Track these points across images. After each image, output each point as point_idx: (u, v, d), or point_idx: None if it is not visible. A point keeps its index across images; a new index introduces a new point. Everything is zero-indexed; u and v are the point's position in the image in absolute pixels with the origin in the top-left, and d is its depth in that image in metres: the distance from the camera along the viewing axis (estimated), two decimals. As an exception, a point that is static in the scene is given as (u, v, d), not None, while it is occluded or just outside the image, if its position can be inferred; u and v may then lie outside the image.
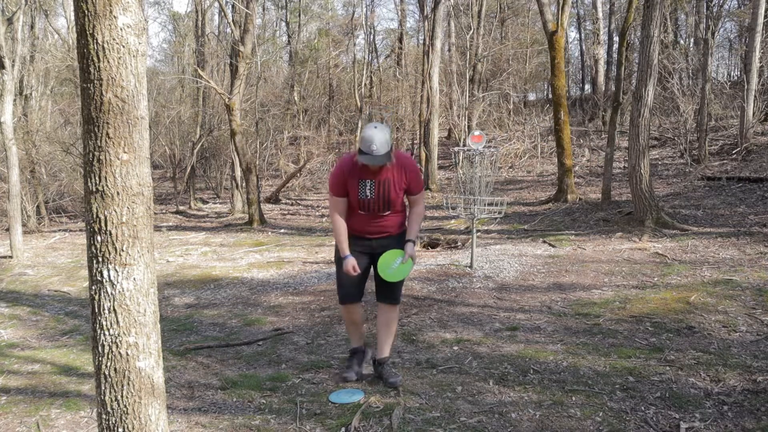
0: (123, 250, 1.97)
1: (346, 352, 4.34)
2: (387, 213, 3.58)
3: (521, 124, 20.17)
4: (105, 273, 1.97)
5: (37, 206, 14.71)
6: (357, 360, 3.87)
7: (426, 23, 17.53)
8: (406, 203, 3.76)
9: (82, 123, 1.97)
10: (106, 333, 1.98)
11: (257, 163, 14.95)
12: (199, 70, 14.78)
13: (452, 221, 11.07)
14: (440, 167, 17.35)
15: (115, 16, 1.90)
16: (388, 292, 3.72)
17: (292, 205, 16.11)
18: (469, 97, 17.99)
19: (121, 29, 1.91)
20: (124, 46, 1.92)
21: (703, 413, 3.14)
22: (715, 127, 15.50)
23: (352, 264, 3.51)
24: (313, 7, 28.13)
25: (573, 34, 28.38)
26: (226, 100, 12.41)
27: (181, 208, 16.45)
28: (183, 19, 24.93)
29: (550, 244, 8.31)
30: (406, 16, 25.18)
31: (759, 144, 13.45)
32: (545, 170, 16.40)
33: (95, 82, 1.90)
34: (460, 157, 8.18)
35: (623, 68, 11.92)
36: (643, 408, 3.23)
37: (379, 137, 3.34)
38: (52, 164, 16.31)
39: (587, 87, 26.16)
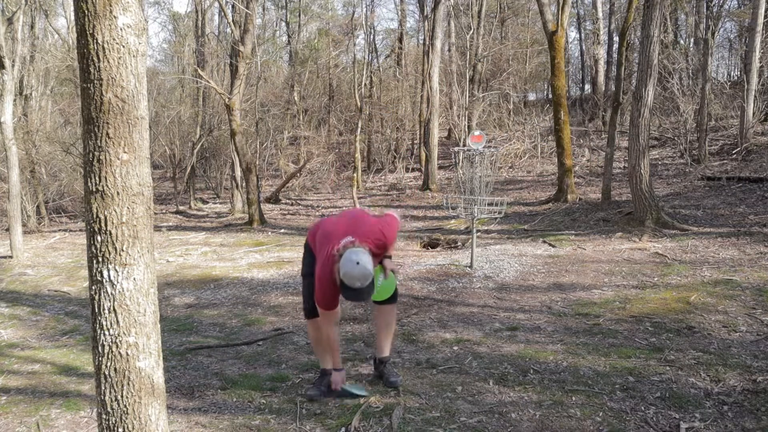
0: (123, 250, 1.97)
1: (346, 352, 4.35)
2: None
3: (521, 124, 20.17)
4: (105, 273, 1.97)
5: (37, 206, 14.71)
6: (325, 381, 3.59)
7: (426, 23, 17.53)
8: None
9: (82, 123, 1.97)
10: (106, 333, 1.98)
11: (257, 163, 14.95)
12: (199, 70, 14.78)
13: (452, 221, 11.07)
14: (440, 167, 17.35)
15: (115, 16, 1.90)
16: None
17: (292, 205, 16.11)
18: (469, 97, 17.99)
19: (121, 29, 1.91)
20: (124, 46, 1.92)
21: (703, 413, 3.14)
22: (715, 127, 15.50)
23: (342, 377, 3.54)
24: (313, 7, 28.13)
25: (573, 34, 28.40)
26: (226, 100, 12.42)
27: (181, 208, 16.45)
28: (183, 19, 24.94)
29: (550, 244, 8.31)
30: (406, 16, 25.19)
31: (759, 144, 13.45)
32: (545, 170, 16.40)
33: (95, 82, 1.90)
34: (460, 157, 8.18)
35: (623, 68, 11.92)
36: (643, 408, 3.23)
37: (360, 272, 3.01)
38: (52, 164, 16.31)
39: (587, 87, 26.16)
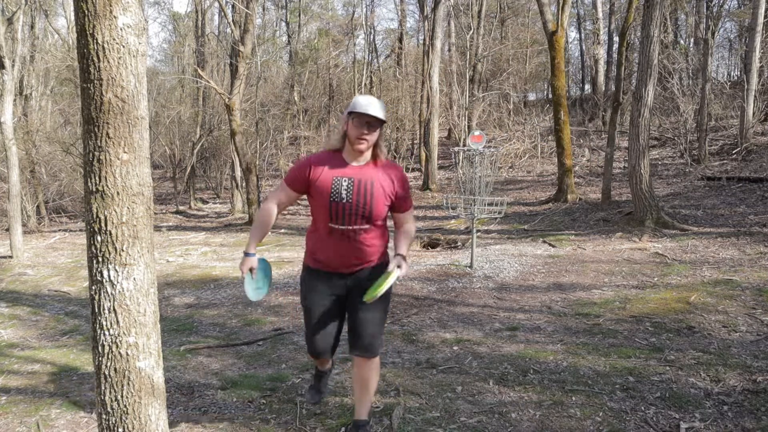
0: (123, 250, 1.97)
1: (346, 352, 4.35)
2: (366, 227, 2.66)
3: (521, 124, 20.17)
4: (105, 273, 1.97)
5: (37, 206, 14.72)
6: (323, 381, 3.29)
7: (426, 23, 17.53)
8: (389, 230, 2.84)
9: (82, 123, 1.97)
10: (106, 333, 1.98)
11: (257, 163, 14.94)
12: (199, 70, 14.78)
13: (452, 221, 11.07)
14: (440, 167, 17.36)
15: (115, 16, 1.90)
16: (365, 341, 2.75)
17: (292, 205, 16.11)
18: (469, 97, 17.99)
19: (121, 29, 1.91)
20: (124, 46, 1.92)
21: (703, 413, 3.14)
22: (715, 127, 15.50)
23: (249, 265, 2.72)
24: (313, 7, 28.14)
25: (573, 34, 28.40)
26: (226, 100, 12.41)
27: (181, 208, 16.45)
28: (183, 19, 24.95)
29: (550, 244, 8.31)
30: (406, 16, 25.19)
31: (759, 144, 13.45)
32: (545, 170, 16.40)
33: (95, 82, 1.90)
34: (460, 157, 8.18)
35: (623, 68, 11.92)
36: (643, 408, 3.23)
37: (377, 102, 2.62)
38: (52, 164, 16.32)
39: (587, 87, 26.17)
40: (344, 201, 2.58)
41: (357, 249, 2.68)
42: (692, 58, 16.90)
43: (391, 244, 2.81)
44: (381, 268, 2.74)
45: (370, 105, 2.55)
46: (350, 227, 2.62)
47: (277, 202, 2.74)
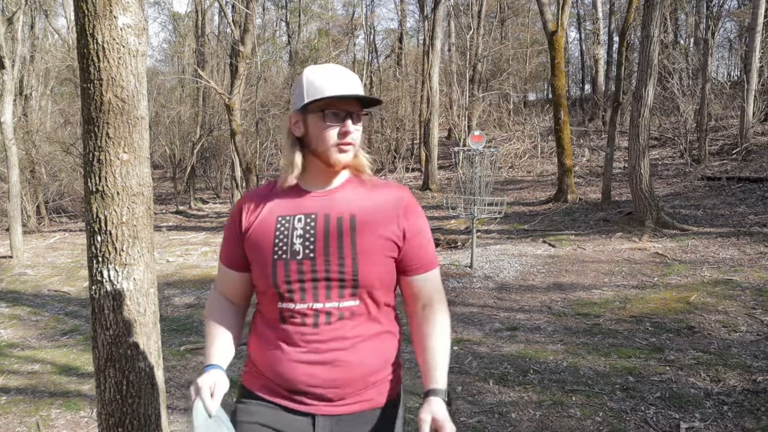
0: (123, 250, 1.97)
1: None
2: (351, 306, 1.40)
3: (521, 124, 20.17)
4: (105, 273, 1.96)
5: (37, 206, 14.71)
6: None
7: (426, 23, 17.53)
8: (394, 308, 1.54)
9: (82, 123, 1.97)
10: (106, 333, 1.98)
11: (257, 163, 14.94)
12: (199, 70, 14.78)
13: (452, 221, 11.07)
14: (440, 167, 17.36)
15: (115, 16, 1.89)
16: None
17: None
18: (469, 97, 17.99)
19: (121, 29, 1.91)
20: (124, 46, 1.92)
21: (703, 413, 3.13)
22: (715, 127, 15.50)
23: (210, 383, 1.36)
24: (313, 7, 28.15)
25: (573, 34, 28.40)
26: (226, 100, 12.42)
27: (181, 208, 16.45)
28: (183, 19, 24.94)
29: (550, 244, 8.31)
30: (406, 16, 25.20)
31: (759, 144, 13.45)
32: (545, 170, 16.40)
33: (95, 82, 1.90)
34: (460, 157, 8.18)
35: (623, 68, 11.92)
36: (643, 408, 3.23)
37: (348, 72, 1.44)
38: (52, 164, 16.32)
39: (587, 87, 26.17)
40: (300, 257, 1.37)
41: (336, 359, 1.37)
42: (692, 58, 16.90)
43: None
44: (389, 417, 1.53)
45: (342, 79, 1.39)
46: (316, 307, 1.37)
47: (227, 295, 1.55)
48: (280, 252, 1.39)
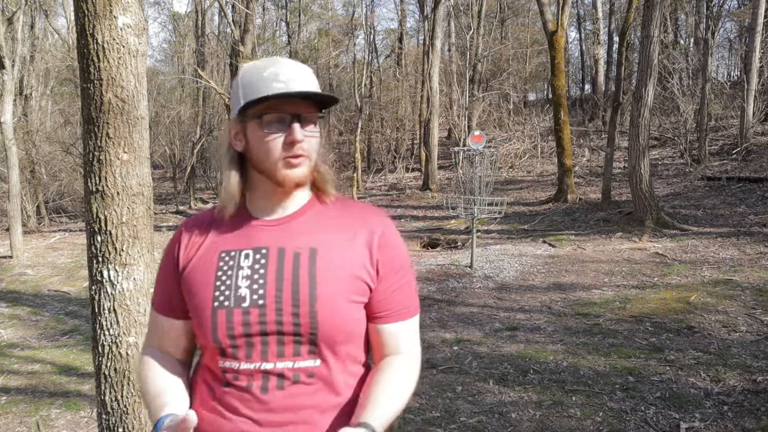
0: (123, 250, 1.97)
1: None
2: (311, 366, 1.10)
3: (521, 124, 20.17)
4: (105, 273, 1.96)
5: (37, 206, 14.71)
6: None
7: (426, 23, 17.53)
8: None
9: (82, 123, 1.97)
10: (106, 333, 1.98)
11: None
12: (199, 70, 14.78)
13: (452, 221, 11.07)
14: (440, 167, 17.36)
15: (115, 16, 1.89)
16: None
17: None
18: (469, 97, 18.00)
19: (121, 29, 1.91)
20: (124, 46, 1.92)
21: (703, 413, 3.13)
22: (715, 127, 15.50)
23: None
24: (313, 7, 28.14)
25: (573, 34, 28.40)
26: (226, 100, 12.42)
27: (181, 208, 16.45)
28: (183, 19, 24.95)
29: (550, 244, 8.31)
30: (406, 16, 25.20)
31: (759, 144, 13.45)
32: (545, 170, 16.40)
33: (95, 82, 1.90)
34: (460, 157, 8.18)
35: (623, 68, 11.93)
36: (643, 408, 3.23)
37: (298, 66, 1.15)
38: (52, 164, 16.32)
39: (587, 87, 26.17)
40: (246, 305, 1.09)
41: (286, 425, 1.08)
42: (692, 58, 16.90)
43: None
44: None
45: (286, 74, 1.10)
46: (266, 367, 1.09)
47: (165, 350, 1.22)
48: (221, 298, 1.09)
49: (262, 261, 1.11)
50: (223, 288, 1.10)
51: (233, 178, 1.15)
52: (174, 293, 1.17)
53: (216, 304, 1.09)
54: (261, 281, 1.09)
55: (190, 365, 1.24)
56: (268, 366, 1.07)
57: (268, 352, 1.07)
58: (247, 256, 1.12)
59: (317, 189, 1.18)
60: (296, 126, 1.07)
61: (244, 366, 1.08)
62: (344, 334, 1.10)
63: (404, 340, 1.21)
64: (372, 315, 1.16)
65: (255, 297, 1.08)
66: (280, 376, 1.07)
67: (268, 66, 1.10)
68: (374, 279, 1.13)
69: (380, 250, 1.14)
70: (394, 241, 1.18)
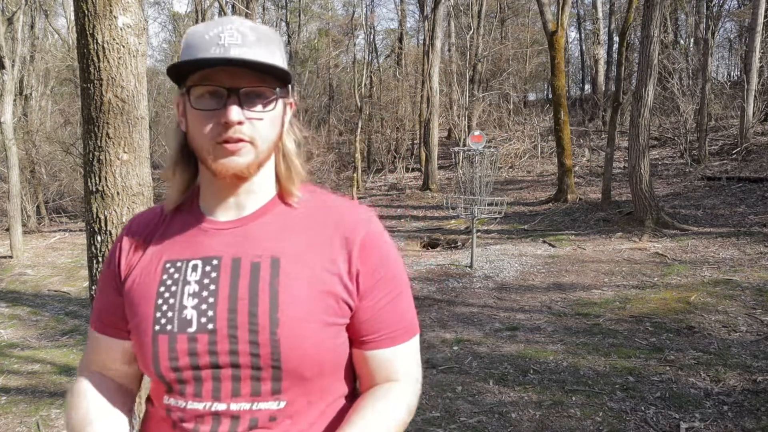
0: (123, 250, 1.97)
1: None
2: (268, 408, 0.86)
3: (521, 124, 20.18)
4: (105, 273, 1.97)
5: (37, 206, 14.72)
6: None
7: (426, 23, 17.54)
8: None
9: (82, 123, 1.97)
10: (106, 333, 1.98)
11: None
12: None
13: (452, 221, 11.07)
14: (440, 167, 17.36)
15: (115, 16, 1.89)
16: None
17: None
18: (469, 97, 18.00)
19: (121, 29, 1.91)
20: (124, 46, 1.92)
21: (703, 413, 3.14)
22: (715, 127, 15.50)
23: None
24: (313, 7, 28.16)
25: (573, 34, 28.41)
26: (226, 100, 12.42)
27: (181, 208, 16.45)
28: (183, 19, 24.96)
29: (550, 244, 8.31)
30: (406, 16, 25.20)
31: (759, 144, 13.45)
32: (545, 170, 16.40)
33: (95, 82, 1.90)
34: (460, 157, 8.18)
35: (623, 68, 11.93)
36: (643, 408, 3.23)
37: (244, 24, 0.88)
38: (52, 164, 16.32)
39: (587, 87, 26.18)
40: (192, 330, 0.86)
41: None
42: (692, 58, 16.91)
43: None
44: None
45: (235, 37, 0.86)
46: (218, 408, 0.86)
47: (107, 374, 1.01)
48: (163, 320, 0.86)
49: (213, 274, 0.87)
50: (165, 308, 0.86)
51: (177, 166, 0.97)
52: (114, 308, 0.95)
53: (157, 327, 0.86)
54: (211, 300, 0.85)
55: (135, 394, 1.04)
56: (221, 407, 0.84)
57: (220, 390, 0.84)
58: (195, 268, 0.88)
59: (281, 185, 0.95)
60: (232, 104, 0.84)
61: (192, 406, 0.85)
62: (316, 366, 0.86)
63: (400, 365, 0.95)
64: (357, 339, 0.92)
65: (203, 320, 0.84)
66: (234, 419, 0.84)
67: (214, 27, 0.86)
68: (354, 295, 0.89)
69: (362, 257, 0.90)
70: (378, 243, 0.92)
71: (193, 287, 0.87)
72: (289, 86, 0.93)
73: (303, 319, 0.84)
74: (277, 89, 0.88)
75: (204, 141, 0.87)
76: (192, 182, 0.98)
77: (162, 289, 0.88)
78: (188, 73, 0.87)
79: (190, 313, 0.85)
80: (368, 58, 21.77)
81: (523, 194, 14.00)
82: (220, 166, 0.86)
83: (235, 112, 0.83)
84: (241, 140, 0.85)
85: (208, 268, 0.88)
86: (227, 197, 0.92)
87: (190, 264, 0.89)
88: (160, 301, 0.87)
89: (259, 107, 0.86)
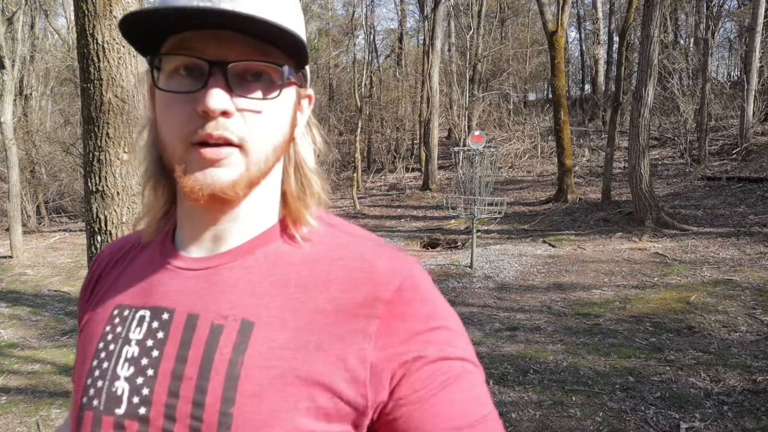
0: (123, 250, 1.97)
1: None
2: None
3: (521, 124, 20.18)
4: (105, 273, 1.97)
5: (37, 206, 14.72)
6: None
7: (426, 23, 17.54)
8: None
9: (82, 123, 1.97)
10: (106, 333, 1.98)
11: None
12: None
13: (452, 221, 11.07)
14: (440, 167, 17.36)
15: (115, 16, 1.90)
16: None
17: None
18: (469, 97, 18.01)
19: (121, 29, 1.91)
20: (124, 46, 1.92)
21: (703, 413, 3.14)
22: (715, 127, 15.51)
23: None
24: (313, 7, 28.15)
25: (573, 34, 28.41)
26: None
27: (181, 208, 16.45)
28: (183, 19, 24.95)
29: (550, 244, 8.31)
30: (406, 16, 25.21)
31: (759, 144, 13.45)
32: (545, 170, 16.40)
33: (95, 82, 1.90)
34: (460, 157, 8.18)
35: (623, 68, 11.94)
36: (643, 408, 3.23)
37: None
38: (52, 164, 16.32)
39: (587, 87, 26.18)
40: (121, 411, 0.58)
41: None
42: (692, 58, 16.91)
43: None
44: None
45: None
46: None
47: None
48: (92, 391, 0.61)
49: (159, 334, 0.60)
50: (97, 374, 0.61)
51: (152, 180, 0.66)
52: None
53: (84, 400, 0.61)
54: (150, 372, 0.58)
55: None
56: None
57: None
58: (141, 321, 0.61)
59: (287, 210, 0.64)
60: (215, 84, 0.54)
61: None
62: None
63: None
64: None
65: (135, 401, 0.58)
66: None
67: None
68: (367, 393, 0.55)
69: (388, 331, 0.57)
70: (421, 309, 0.59)
71: (133, 349, 0.60)
72: (306, 68, 0.66)
73: (267, 421, 0.54)
74: (286, 69, 0.58)
75: (173, 140, 0.57)
76: (175, 203, 0.67)
77: (101, 345, 0.63)
78: (161, 38, 0.57)
79: (122, 386, 0.59)
80: (368, 58, 21.77)
81: (523, 194, 14.00)
82: (191, 182, 0.56)
83: (216, 97, 0.54)
84: (226, 142, 0.55)
85: (155, 324, 0.60)
86: (203, 226, 0.62)
87: (138, 315, 0.62)
88: (95, 363, 0.62)
89: (258, 93, 0.57)
